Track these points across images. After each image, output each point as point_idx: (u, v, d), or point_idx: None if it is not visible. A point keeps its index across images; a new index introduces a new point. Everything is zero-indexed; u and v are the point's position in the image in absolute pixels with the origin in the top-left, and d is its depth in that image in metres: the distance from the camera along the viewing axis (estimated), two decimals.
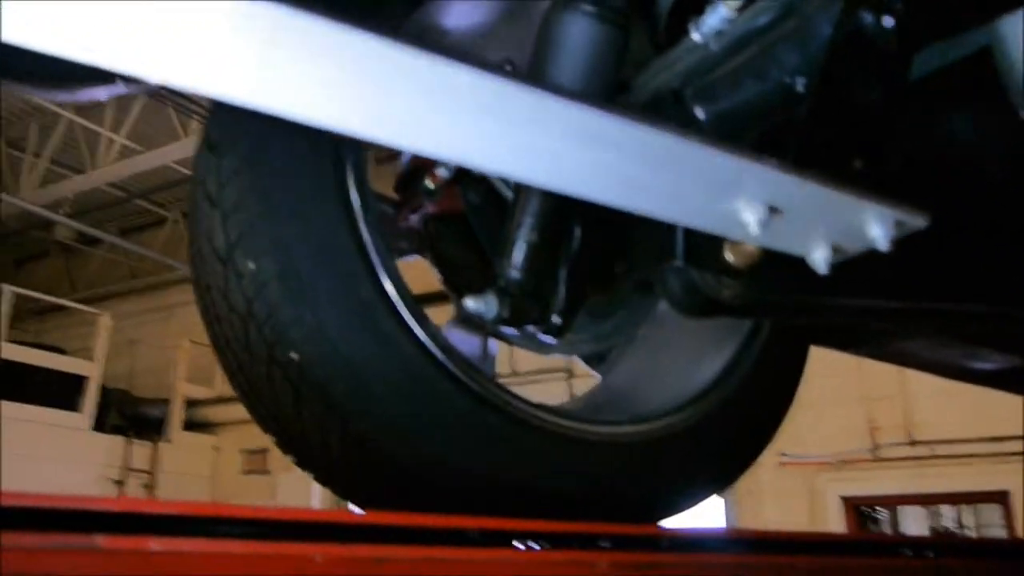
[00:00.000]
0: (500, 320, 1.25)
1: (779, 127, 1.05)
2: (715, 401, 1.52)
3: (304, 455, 1.35)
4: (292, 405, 1.25)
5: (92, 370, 11.26)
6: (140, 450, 11.42)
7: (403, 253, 1.64)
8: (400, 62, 0.56)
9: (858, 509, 8.73)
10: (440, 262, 1.60)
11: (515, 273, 1.23)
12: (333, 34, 0.55)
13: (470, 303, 1.25)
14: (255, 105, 0.57)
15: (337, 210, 1.24)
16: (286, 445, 1.37)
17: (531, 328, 1.32)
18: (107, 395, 11.73)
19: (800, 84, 1.04)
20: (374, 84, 0.57)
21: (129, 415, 12.15)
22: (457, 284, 1.56)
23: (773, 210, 0.72)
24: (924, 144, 1.16)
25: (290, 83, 0.56)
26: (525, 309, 1.25)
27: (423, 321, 1.24)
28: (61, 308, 13.34)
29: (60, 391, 10.95)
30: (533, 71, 1.23)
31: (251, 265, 1.21)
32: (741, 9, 1.12)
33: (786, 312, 1.20)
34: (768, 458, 1.66)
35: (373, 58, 0.56)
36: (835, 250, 0.79)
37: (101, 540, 0.81)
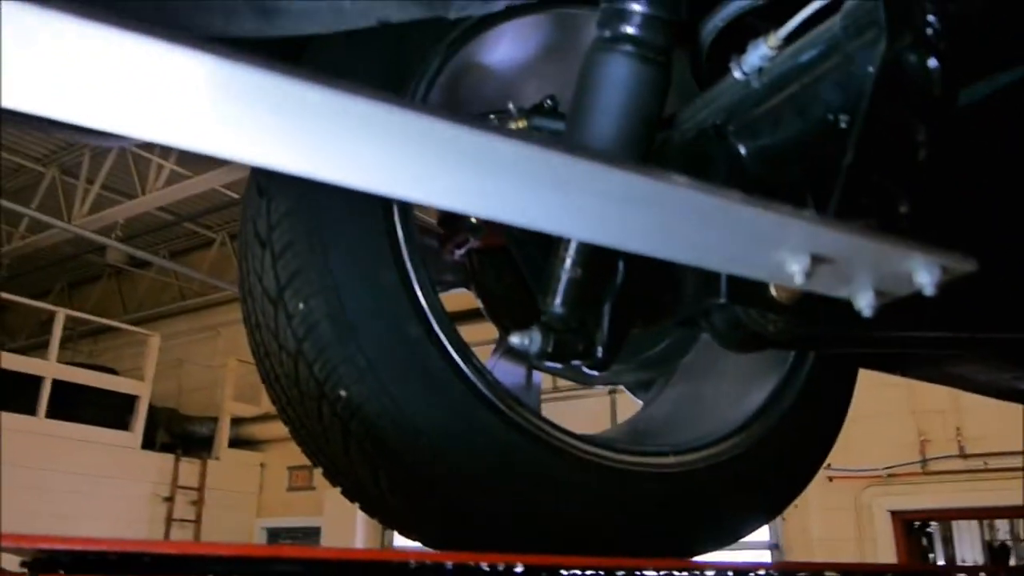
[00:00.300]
0: (544, 355, 1.26)
1: (824, 170, 1.05)
2: (761, 429, 1.51)
3: (351, 487, 1.37)
4: (340, 440, 1.27)
5: (142, 389, 11.47)
6: (188, 467, 11.60)
7: (448, 286, 1.67)
8: (436, 133, 0.58)
9: (907, 524, 8.54)
10: (484, 295, 1.62)
11: (559, 309, 1.24)
12: (361, 106, 0.57)
13: (514, 339, 1.27)
14: (280, 167, 0.60)
15: (385, 250, 1.26)
16: (334, 477, 1.40)
17: (576, 361, 1.33)
18: (156, 414, 11.94)
19: (843, 122, 1.04)
20: (405, 152, 0.59)
21: (177, 433, 12.35)
22: (501, 317, 1.57)
23: (817, 259, 0.73)
24: (971, 172, 1.15)
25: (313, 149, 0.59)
26: (568, 344, 1.26)
27: (468, 357, 1.26)
28: (112, 329, 13.64)
29: (111, 410, 11.18)
30: (574, 112, 1.24)
31: (301, 306, 1.24)
32: (782, 47, 1.12)
33: (831, 344, 1.20)
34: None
35: (397, 128, 0.58)
36: (880, 294, 0.79)
37: None
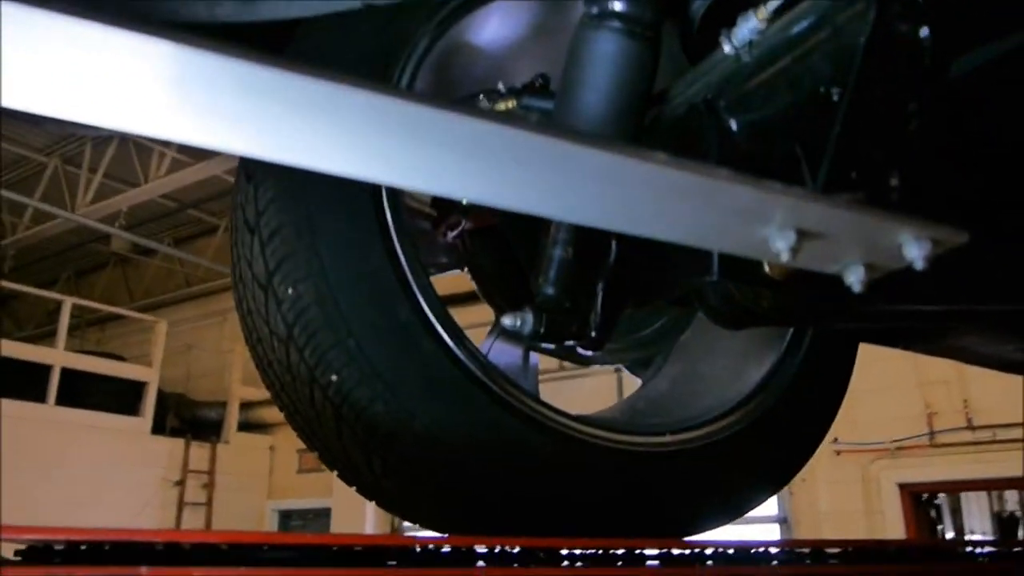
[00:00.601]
0: (537, 336, 1.25)
1: (817, 144, 1.03)
2: (760, 406, 1.50)
3: (346, 471, 1.37)
4: (333, 425, 1.27)
5: (150, 375, 11.53)
6: (199, 451, 11.66)
7: (442, 268, 1.66)
8: (413, 116, 0.57)
9: (916, 496, 8.54)
10: (478, 276, 1.61)
11: (550, 289, 1.23)
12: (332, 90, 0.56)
13: (507, 320, 1.26)
14: (265, 156, 0.58)
15: (373, 234, 1.25)
16: (329, 461, 1.39)
17: (570, 342, 1.32)
18: (165, 399, 12.00)
19: (835, 94, 1.02)
20: (388, 137, 0.58)
21: (187, 418, 12.42)
22: (496, 298, 1.56)
23: (803, 234, 0.71)
24: (965, 145, 1.13)
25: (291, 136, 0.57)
26: (562, 325, 1.25)
27: (460, 340, 1.25)
28: (119, 317, 13.68)
29: (121, 397, 11.24)
30: (563, 90, 1.23)
31: (290, 291, 1.23)
32: (772, 20, 1.10)
33: (825, 320, 1.19)
34: (822, 446, 1.64)
35: (381, 114, 0.57)
36: (870, 268, 0.78)
37: (146, 571, 0.83)
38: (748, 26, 1.13)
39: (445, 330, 1.24)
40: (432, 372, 1.22)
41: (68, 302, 11.38)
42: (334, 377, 1.21)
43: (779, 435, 1.53)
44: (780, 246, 0.70)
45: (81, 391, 10.74)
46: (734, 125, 1.19)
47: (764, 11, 1.10)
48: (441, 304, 1.27)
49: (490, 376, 1.25)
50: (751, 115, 1.18)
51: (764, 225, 0.70)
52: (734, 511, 1.47)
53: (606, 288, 1.26)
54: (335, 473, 1.43)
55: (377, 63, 1.37)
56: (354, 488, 1.42)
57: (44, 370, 10.49)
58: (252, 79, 0.55)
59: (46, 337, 12.20)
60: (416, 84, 1.43)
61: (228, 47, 0.54)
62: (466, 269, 1.65)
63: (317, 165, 0.60)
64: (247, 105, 0.55)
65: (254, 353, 1.40)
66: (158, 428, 11.54)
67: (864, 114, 0.86)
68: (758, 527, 8.59)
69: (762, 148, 1.20)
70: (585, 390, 7.66)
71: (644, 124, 1.30)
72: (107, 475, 10.40)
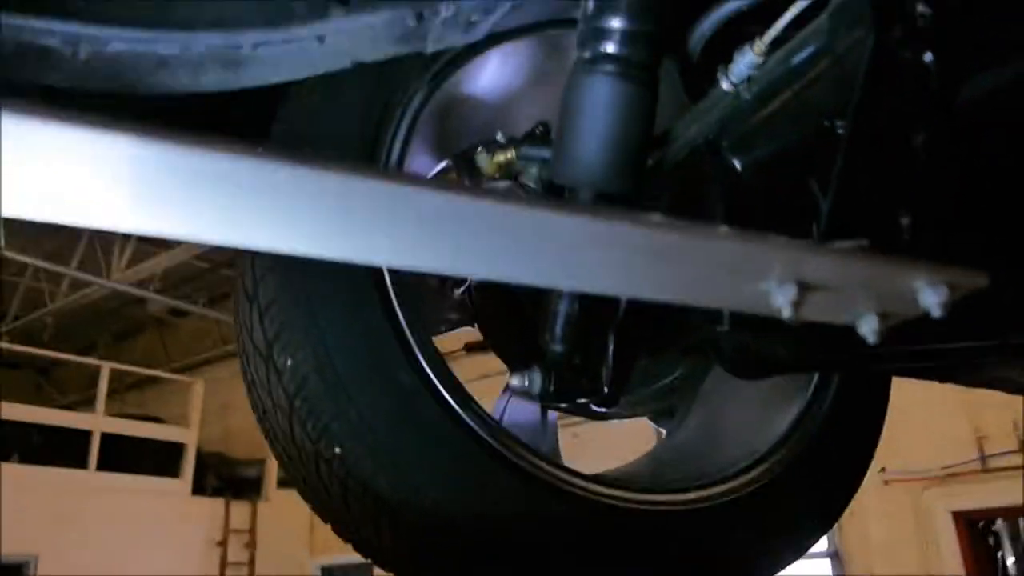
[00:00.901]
0: (547, 396, 1.19)
1: (826, 176, 0.98)
2: (789, 454, 1.42)
3: (360, 543, 1.32)
4: (341, 498, 1.22)
5: (189, 436, 11.58)
6: (239, 510, 11.65)
7: (452, 325, 1.61)
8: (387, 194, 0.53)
9: (971, 524, 8.23)
10: (488, 332, 1.56)
11: (558, 346, 1.18)
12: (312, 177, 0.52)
13: (515, 380, 1.21)
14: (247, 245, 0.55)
15: (371, 296, 1.21)
16: (342, 534, 1.34)
17: (582, 399, 1.26)
18: (204, 459, 12.03)
19: (840, 127, 0.97)
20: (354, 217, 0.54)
21: (226, 476, 12.42)
22: (507, 353, 1.51)
23: (806, 287, 0.66)
24: (982, 173, 1.07)
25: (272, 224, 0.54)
26: (572, 382, 1.19)
27: (467, 403, 1.20)
28: (157, 379, 13.82)
29: (161, 459, 11.29)
30: (559, 139, 1.18)
31: (289, 361, 1.19)
32: (769, 53, 1.06)
33: (847, 366, 1.12)
34: (870, 476, 1.56)
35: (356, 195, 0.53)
36: (884, 317, 0.72)
37: None
38: (745, 61, 1.08)
39: (450, 394, 1.19)
40: (437, 441, 1.16)
41: (106, 368, 11.52)
42: (337, 450, 1.16)
43: (813, 483, 1.45)
44: (781, 301, 0.64)
45: (122, 455, 10.81)
46: (739, 165, 1.14)
47: (760, 45, 1.06)
48: (446, 366, 1.22)
49: (500, 440, 1.19)
50: (756, 153, 1.13)
51: (762, 280, 0.64)
52: (768, 570, 1.39)
53: (617, 342, 1.20)
54: (351, 546, 1.38)
55: (369, 120, 1.34)
56: (369, 559, 1.37)
57: (85, 436, 10.58)
58: (202, 166, 0.52)
59: (88, 403, 12.33)
60: (413, 139, 1.40)
61: (175, 136, 0.51)
62: (476, 324, 1.61)
63: (286, 249, 0.56)
64: (196, 194, 0.52)
65: (261, 426, 1.36)
66: (198, 488, 11.56)
67: (868, 149, 0.81)
68: (807, 563, 8.33)
69: (771, 185, 1.14)
70: (624, 430, 7.51)
71: (647, 168, 1.25)
72: (149, 538, 10.40)
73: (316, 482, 1.25)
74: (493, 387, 1.45)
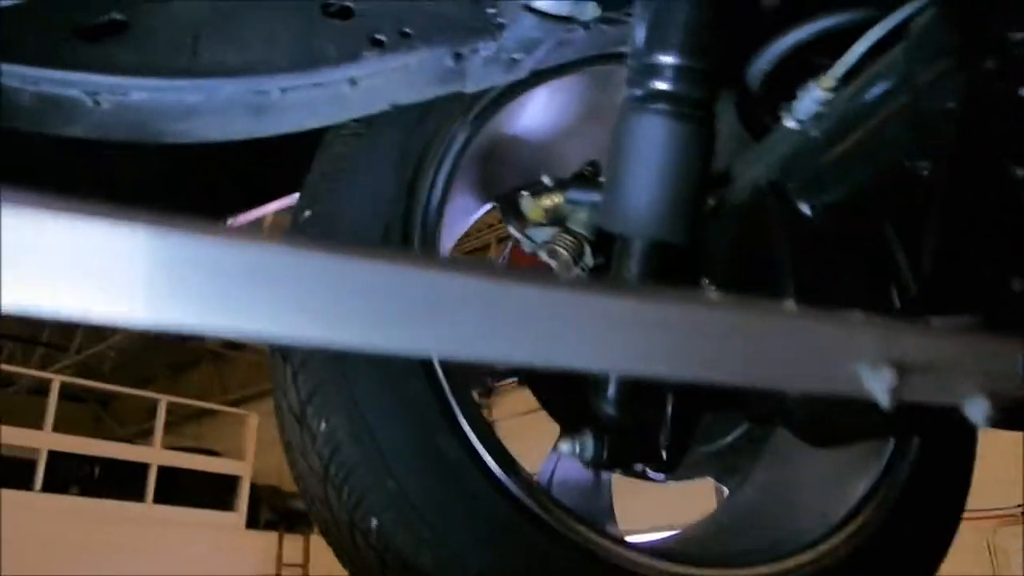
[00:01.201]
0: (599, 463, 1.10)
1: (905, 220, 0.87)
2: (868, 521, 1.29)
3: None
4: (379, 571, 1.13)
5: (243, 469, 11.65)
6: (292, 544, 11.65)
7: (500, 377, 1.52)
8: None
9: None
10: (536, 390, 1.46)
11: (611, 410, 1.08)
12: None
13: (564, 446, 1.11)
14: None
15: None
16: None
17: (638, 466, 1.16)
18: (258, 491, 12.08)
19: (923, 169, 0.86)
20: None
21: (280, 510, 12.44)
22: (558, 413, 1.41)
23: (905, 368, 0.56)
24: None
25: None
26: (627, 448, 1.09)
27: (514, 471, 1.11)
28: (213, 412, 13.97)
29: (216, 491, 11.37)
30: (609, 182, 1.10)
31: (323, 425, 1.12)
32: (838, 88, 0.96)
33: (934, 430, 1.00)
34: None
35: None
36: (995, 397, 0.61)
37: None
38: (811, 97, 0.99)
39: (495, 461, 1.10)
40: (482, 512, 1.07)
41: (163, 401, 11.68)
42: (374, 522, 1.08)
43: (896, 550, 1.32)
44: (876, 387, 0.54)
45: (178, 488, 10.91)
46: (807, 208, 1.03)
47: (828, 79, 0.96)
48: (490, 431, 1.13)
49: (547, 509, 1.10)
50: (826, 196, 1.02)
51: (851, 362, 0.55)
52: None
53: (675, 404, 1.10)
54: None
55: (407, 164, 1.27)
56: None
57: (142, 469, 10.71)
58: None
59: (146, 434, 12.51)
60: (454, 182, 1.33)
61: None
62: (527, 383, 1.51)
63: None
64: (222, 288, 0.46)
65: (298, 488, 1.29)
66: (252, 521, 11.59)
67: (966, 199, 0.70)
68: None
69: (844, 232, 1.04)
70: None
71: (705, 211, 1.16)
72: (203, 572, 10.44)
73: (353, 552, 1.17)
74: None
